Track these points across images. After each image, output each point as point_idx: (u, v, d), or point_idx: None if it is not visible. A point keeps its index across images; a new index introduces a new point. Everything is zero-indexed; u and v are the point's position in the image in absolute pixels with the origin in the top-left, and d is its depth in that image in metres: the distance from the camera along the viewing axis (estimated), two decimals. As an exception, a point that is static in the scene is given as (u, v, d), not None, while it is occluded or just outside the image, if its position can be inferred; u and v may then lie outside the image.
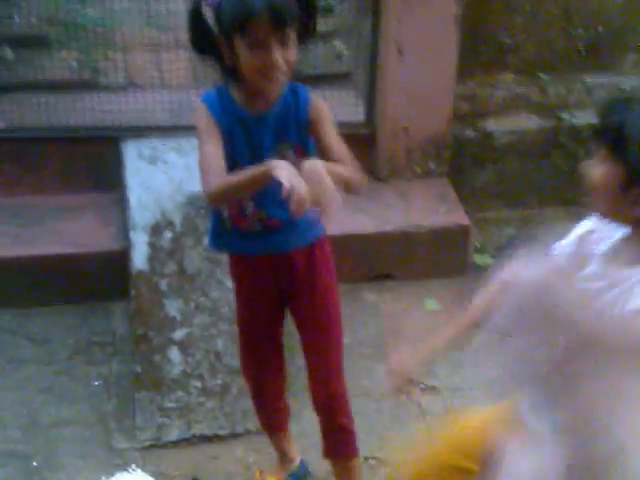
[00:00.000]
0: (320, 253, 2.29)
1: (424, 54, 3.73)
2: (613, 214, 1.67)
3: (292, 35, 2.00)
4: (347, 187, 2.05)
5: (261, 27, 1.94)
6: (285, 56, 1.99)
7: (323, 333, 2.34)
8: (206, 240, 3.15)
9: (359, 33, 4.00)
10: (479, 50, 4.06)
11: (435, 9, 3.68)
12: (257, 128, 2.10)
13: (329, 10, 4.40)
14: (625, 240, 1.70)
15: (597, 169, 1.65)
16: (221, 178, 2.02)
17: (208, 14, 2.07)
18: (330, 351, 2.35)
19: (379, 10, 3.75)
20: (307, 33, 2.10)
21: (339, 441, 2.43)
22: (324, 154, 2.07)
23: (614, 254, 1.71)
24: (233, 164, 2.07)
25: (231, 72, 2.07)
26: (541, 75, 4.14)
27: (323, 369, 2.36)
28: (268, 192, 2.06)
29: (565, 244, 1.85)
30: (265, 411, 2.56)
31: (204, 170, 2.05)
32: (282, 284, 2.30)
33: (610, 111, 1.63)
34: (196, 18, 2.07)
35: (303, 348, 2.40)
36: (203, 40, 2.08)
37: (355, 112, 3.87)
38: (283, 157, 2.03)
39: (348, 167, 2.05)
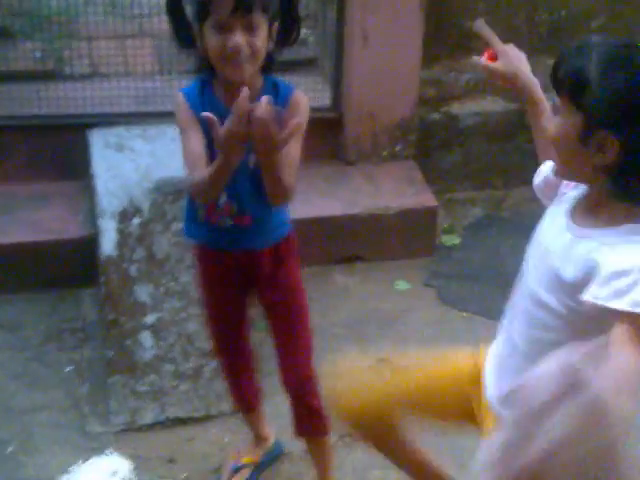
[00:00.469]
0: (285, 248, 2.29)
1: (389, 40, 3.76)
2: (573, 169, 1.62)
3: (261, 22, 1.99)
4: (275, 192, 2.03)
5: (224, 8, 1.94)
6: (251, 42, 1.97)
7: (291, 324, 2.35)
8: (174, 226, 3.17)
9: (325, 19, 4.02)
10: (444, 35, 4.09)
11: (400, -5, 3.72)
12: None
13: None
14: (584, 199, 1.67)
15: (555, 120, 1.60)
16: (203, 172, 2.01)
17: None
18: (298, 340, 2.36)
19: (344, -2, 3.78)
20: (289, 34, 2.09)
21: (309, 422, 2.44)
22: None
23: (574, 211, 1.69)
24: (213, 159, 2.04)
25: (205, 64, 2.06)
26: (505, 59, 4.18)
27: (292, 357, 2.37)
28: (241, 185, 2.08)
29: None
30: (238, 391, 2.57)
31: (188, 167, 2.06)
32: (247, 278, 2.31)
33: (566, 58, 1.57)
34: (174, 9, 2.07)
35: (272, 336, 2.41)
36: (182, 32, 2.07)
37: (322, 97, 3.89)
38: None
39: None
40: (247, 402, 2.60)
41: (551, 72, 1.60)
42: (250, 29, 1.97)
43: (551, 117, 1.64)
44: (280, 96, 2.08)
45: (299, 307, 2.35)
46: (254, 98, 2.01)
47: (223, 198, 2.14)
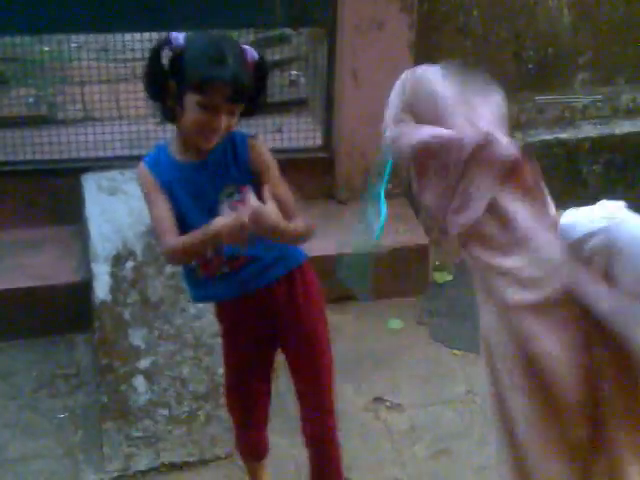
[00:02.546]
0: (301, 281, 2.28)
1: (379, 79, 3.78)
2: None
3: (240, 106, 2.07)
4: (297, 242, 2.15)
5: (220, 95, 2.00)
6: (228, 122, 2.05)
7: (313, 368, 2.33)
8: (168, 268, 3.17)
9: (315, 60, 4.06)
10: (433, 74, 4.13)
11: (389, 35, 3.76)
12: (196, 176, 2.12)
13: (285, 40, 4.47)
14: None
15: None
16: (174, 240, 2.06)
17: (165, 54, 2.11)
18: (322, 385, 2.34)
19: (334, 37, 3.82)
20: (255, 107, 2.15)
21: (329, 471, 2.43)
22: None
23: None
24: (180, 216, 2.10)
25: (171, 117, 2.11)
26: (493, 96, 4.21)
27: (316, 405, 2.35)
28: None
29: None
30: (247, 442, 2.53)
31: (158, 234, 2.12)
32: (266, 320, 2.28)
33: None
34: (154, 59, 2.09)
35: (293, 381, 2.38)
36: (155, 81, 2.10)
37: (313, 137, 3.92)
38: (227, 200, 2.08)
39: (298, 221, 2.10)
40: (255, 452, 2.56)
41: None
42: (231, 113, 2.05)
43: None
44: (237, 143, 2.14)
45: (321, 353, 2.32)
46: (210, 150, 2.11)
47: (210, 253, 2.15)
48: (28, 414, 3.03)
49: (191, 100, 2.02)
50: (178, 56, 2.05)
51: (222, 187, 2.12)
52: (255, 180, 2.10)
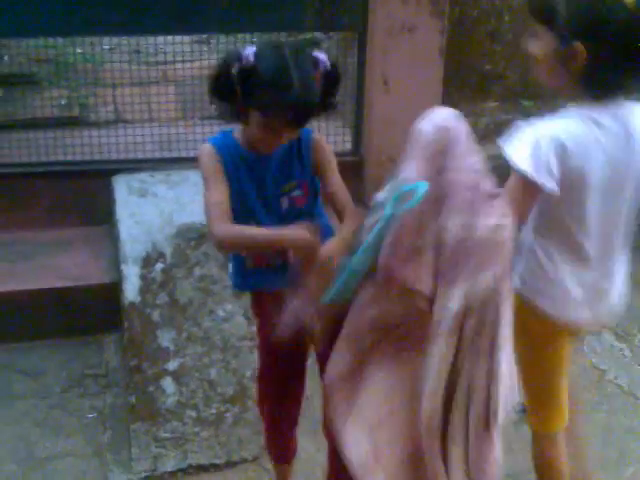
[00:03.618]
0: None
1: (409, 85, 3.79)
2: (554, 79, 1.99)
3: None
4: None
5: (282, 119, 1.99)
6: (291, 136, 2.06)
7: None
8: (197, 271, 3.18)
9: (345, 65, 4.07)
10: (463, 79, 4.13)
11: (420, 41, 3.77)
12: (261, 169, 2.12)
13: (316, 44, 4.48)
14: None
15: (535, 44, 1.96)
16: (225, 226, 2.04)
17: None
18: None
19: (365, 43, 3.83)
20: (325, 108, 2.14)
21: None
22: (329, 199, 2.15)
23: None
24: (241, 203, 2.10)
25: (236, 118, 2.10)
26: (524, 102, 4.20)
27: None
28: (275, 227, 2.09)
29: None
30: (279, 442, 2.52)
31: (210, 218, 2.08)
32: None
33: None
34: (224, 72, 2.06)
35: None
36: (224, 88, 2.07)
37: (342, 141, 3.93)
38: (287, 195, 2.12)
39: (349, 216, 2.12)
40: (285, 453, 2.55)
41: (528, 6, 2.02)
42: (293, 132, 2.06)
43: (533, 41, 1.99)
44: (302, 142, 2.14)
45: None
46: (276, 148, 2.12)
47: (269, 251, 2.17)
48: (57, 413, 3.05)
49: (254, 116, 2.01)
50: (247, 70, 2.00)
51: (284, 183, 2.13)
52: (315, 173, 2.15)
